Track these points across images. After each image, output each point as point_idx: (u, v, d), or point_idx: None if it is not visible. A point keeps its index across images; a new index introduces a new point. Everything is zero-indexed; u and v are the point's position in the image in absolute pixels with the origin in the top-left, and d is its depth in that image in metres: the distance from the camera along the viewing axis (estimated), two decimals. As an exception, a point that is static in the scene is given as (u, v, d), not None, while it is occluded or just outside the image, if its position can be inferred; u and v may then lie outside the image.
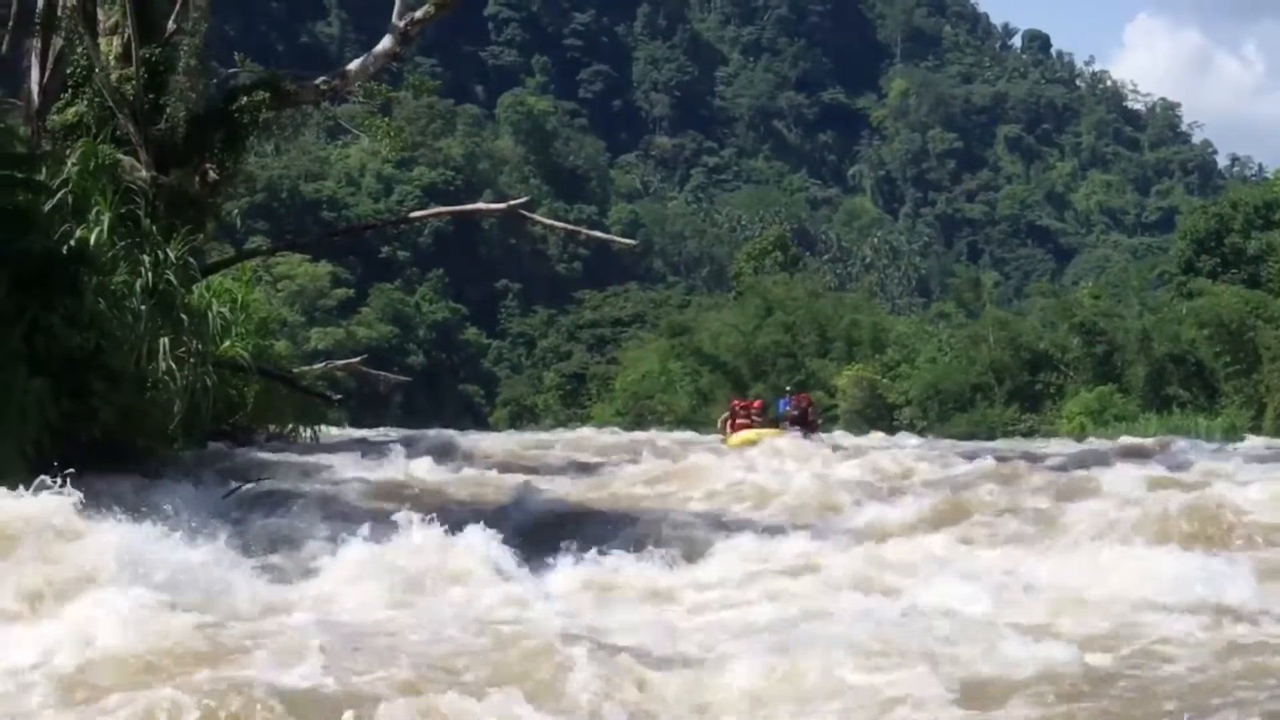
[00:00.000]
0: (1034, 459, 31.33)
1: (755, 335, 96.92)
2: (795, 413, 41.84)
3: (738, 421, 40.77)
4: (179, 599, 9.44)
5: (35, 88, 22.60)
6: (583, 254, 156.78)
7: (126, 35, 23.57)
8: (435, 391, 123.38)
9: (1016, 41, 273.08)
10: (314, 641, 8.28)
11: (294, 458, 27.88)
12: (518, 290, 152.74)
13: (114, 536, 10.60)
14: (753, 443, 34.80)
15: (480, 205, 40.73)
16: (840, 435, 57.91)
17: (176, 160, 23.47)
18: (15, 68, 23.40)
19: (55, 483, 11.19)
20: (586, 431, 67.85)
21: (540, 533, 14.80)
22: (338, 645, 8.38)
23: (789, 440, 35.32)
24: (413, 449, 31.56)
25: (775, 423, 41.86)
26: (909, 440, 54.00)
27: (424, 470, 24.93)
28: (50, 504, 11.15)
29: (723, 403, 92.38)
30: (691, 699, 7.67)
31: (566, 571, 11.67)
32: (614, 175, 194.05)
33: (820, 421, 45.23)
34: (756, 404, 43.58)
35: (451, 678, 7.94)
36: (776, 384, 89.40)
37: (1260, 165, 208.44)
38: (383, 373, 54.95)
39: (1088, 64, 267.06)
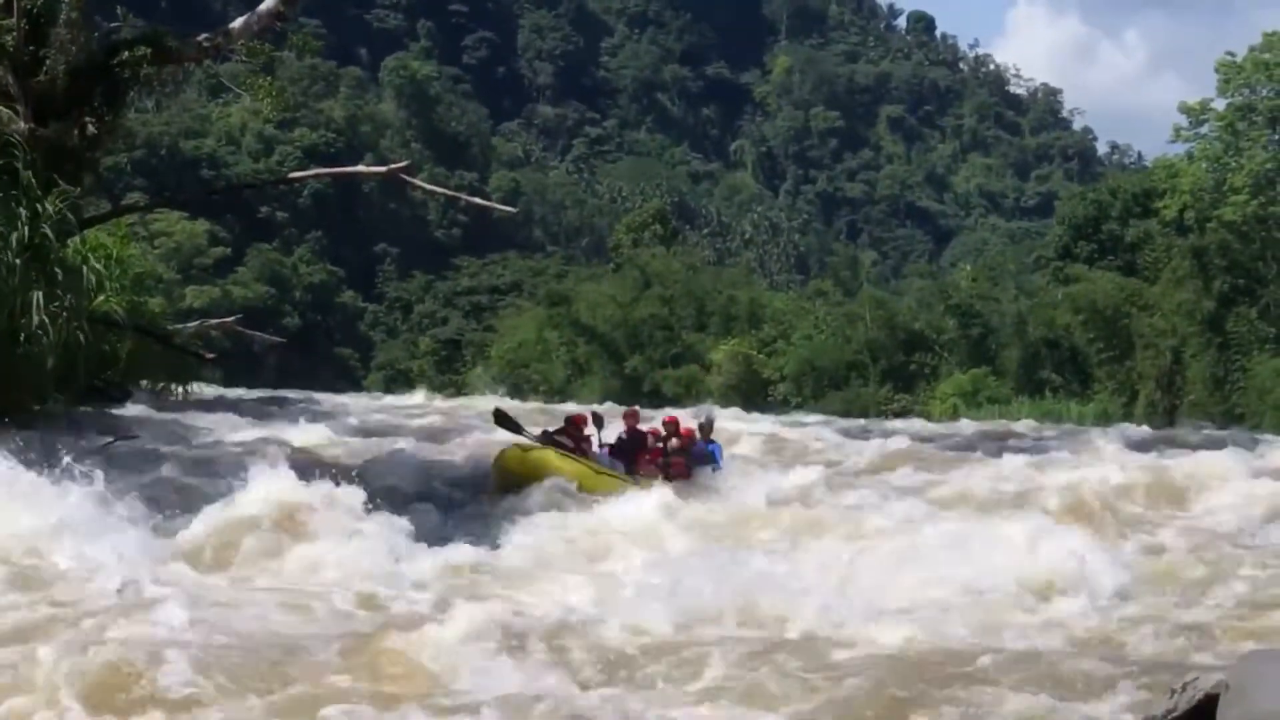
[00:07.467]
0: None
1: (633, 307, 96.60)
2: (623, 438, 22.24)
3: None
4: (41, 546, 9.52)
5: (-89, 38, 22.34)
6: (462, 220, 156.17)
7: (8, -14, 23.32)
8: (310, 354, 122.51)
9: (901, 22, 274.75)
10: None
11: (166, 415, 27.80)
12: (396, 255, 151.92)
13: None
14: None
15: (361, 168, 40.32)
16: (716, 410, 43.85)
17: (55, 113, 23.25)
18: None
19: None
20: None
21: (404, 497, 14.90)
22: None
23: None
24: (285, 410, 31.46)
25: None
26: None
27: (295, 431, 24.94)
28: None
29: (599, 374, 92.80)
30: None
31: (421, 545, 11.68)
32: (496, 143, 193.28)
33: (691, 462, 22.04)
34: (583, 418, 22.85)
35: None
36: (652, 357, 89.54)
37: (1139, 153, 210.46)
38: (258, 333, 54.38)
39: (971, 47, 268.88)
